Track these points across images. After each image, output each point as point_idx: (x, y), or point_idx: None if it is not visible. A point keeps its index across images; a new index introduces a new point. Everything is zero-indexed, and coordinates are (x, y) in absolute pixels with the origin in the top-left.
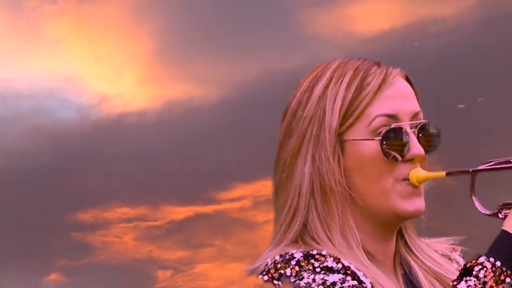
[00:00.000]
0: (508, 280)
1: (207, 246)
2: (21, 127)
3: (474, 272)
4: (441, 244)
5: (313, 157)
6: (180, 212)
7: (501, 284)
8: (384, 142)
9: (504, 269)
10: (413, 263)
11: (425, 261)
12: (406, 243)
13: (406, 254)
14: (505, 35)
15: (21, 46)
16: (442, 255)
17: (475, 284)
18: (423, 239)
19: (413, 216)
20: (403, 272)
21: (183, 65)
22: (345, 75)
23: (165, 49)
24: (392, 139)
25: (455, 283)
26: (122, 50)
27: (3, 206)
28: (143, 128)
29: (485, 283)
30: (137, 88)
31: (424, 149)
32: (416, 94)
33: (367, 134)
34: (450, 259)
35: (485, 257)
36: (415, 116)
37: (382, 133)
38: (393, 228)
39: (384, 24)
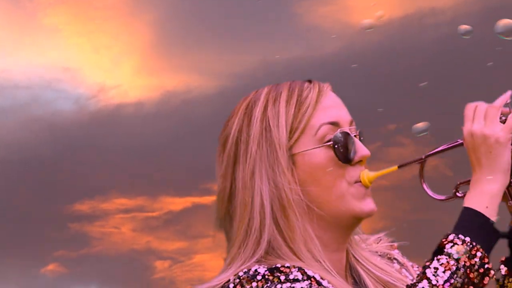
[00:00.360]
0: (479, 254)
1: (204, 237)
2: (19, 118)
3: (445, 250)
4: (377, 242)
5: (269, 176)
6: (178, 203)
7: (473, 258)
8: (336, 146)
9: (474, 244)
10: (362, 272)
11: (372, 270)
12: (352, 254)
13: (355, 264)
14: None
15: (18, 37)
16: (383, 255)
17: (447, 262)
18: (360, 236)
19: (369, 215)
20: (353, 281)
21: (181, 56)
22: (280, 95)
23: (163, 39)
24: (341, 143)
25: (427, 263)
26: (120, 41)
27: (1, 196)
28: (141, 119)
29: (458, 259)
30: (135, 79)
31: None
32: None
33: (315, 144)
34: (390, 258)
35: (454, 234)
36: (351, 122)
37: (332, 138)
38: (348, 233)
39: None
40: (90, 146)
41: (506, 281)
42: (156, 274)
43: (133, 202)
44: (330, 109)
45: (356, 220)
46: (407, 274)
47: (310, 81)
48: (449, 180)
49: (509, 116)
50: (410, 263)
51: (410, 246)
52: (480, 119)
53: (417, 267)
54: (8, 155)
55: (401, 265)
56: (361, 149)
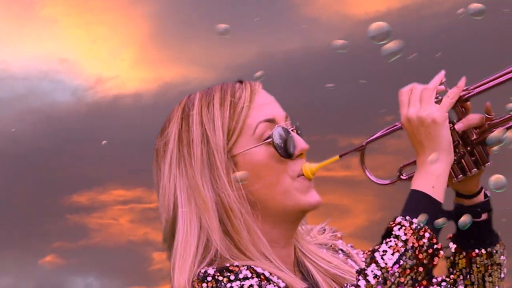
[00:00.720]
0: (427, 235)
1: None
2: (16, 110)
3: (393, 233)
4: (321, 233)
5: (211, 181)
6: None
7: (421, 239)
8: (275, 143)
9: (421, 225)
10: (310, 267)
11: (320, 263)
12: (299, 248)
13: (303, 258)
14: (500, 18)
15: (15, 28)
16: (328, 246)
17: (396, 244)
18: (304, 226)
19: (315, 207)
20: (301, 276)
21: (179, 47)
22: (214, 98)
23: (161, 31)
24: (281, 139)
25: (376, 247)
26: (118, 32)
27: None
28: (139, 110)
29: (406, 241)
30: (132, 70)
31: None
32: None
33: (254, 142)
34: (335, 249)
35: (401, 217)
36: (286, 118)
37: (270, 135)
38: (295, 227)
39: (380, 6)
40: (87, 137)
41: (456, 258)
42: (153, 265)
43: (131, 194)
44: (265, 107)
45: (302, 213)
46: (353, 264)
47: (241, 82)
48: None
49: (444, 96)
50: (355, 251)
51: None
52: (415, 102)
53: (363, 254)
54: (5, 146)
55: (347, 255)
56: (300, 143)
